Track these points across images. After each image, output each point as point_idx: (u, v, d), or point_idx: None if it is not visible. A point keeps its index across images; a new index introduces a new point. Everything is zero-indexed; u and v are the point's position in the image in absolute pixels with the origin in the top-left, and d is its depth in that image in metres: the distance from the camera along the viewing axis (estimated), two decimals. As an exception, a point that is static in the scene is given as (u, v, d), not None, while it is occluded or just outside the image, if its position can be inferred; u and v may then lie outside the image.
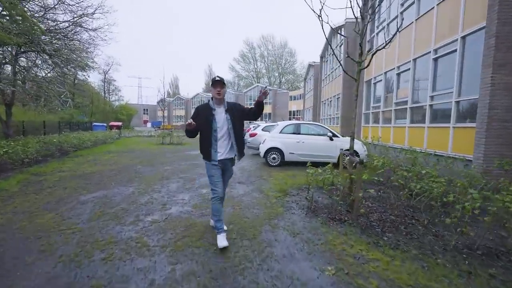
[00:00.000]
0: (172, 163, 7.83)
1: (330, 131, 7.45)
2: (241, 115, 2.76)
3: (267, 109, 41.62)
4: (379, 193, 4.39)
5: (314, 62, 25.72)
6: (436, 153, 6.58)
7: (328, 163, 4.62)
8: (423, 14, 7.69)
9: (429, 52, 7.27)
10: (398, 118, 9.10)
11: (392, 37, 3.44)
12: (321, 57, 21.84)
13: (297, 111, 40.63)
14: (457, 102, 6.18)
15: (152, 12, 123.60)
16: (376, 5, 9.18)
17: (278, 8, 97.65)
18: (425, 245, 2.60)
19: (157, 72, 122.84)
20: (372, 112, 11.36)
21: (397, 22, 9.01)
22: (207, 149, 2.62)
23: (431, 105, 7.20)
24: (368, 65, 3.72)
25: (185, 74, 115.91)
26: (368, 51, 3.70)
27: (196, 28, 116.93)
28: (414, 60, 8.07)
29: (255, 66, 57.50)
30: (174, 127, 41.11)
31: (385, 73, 10.16)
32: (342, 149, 4.46)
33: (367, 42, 12.43)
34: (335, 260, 2.29)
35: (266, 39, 59.16)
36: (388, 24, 9.90)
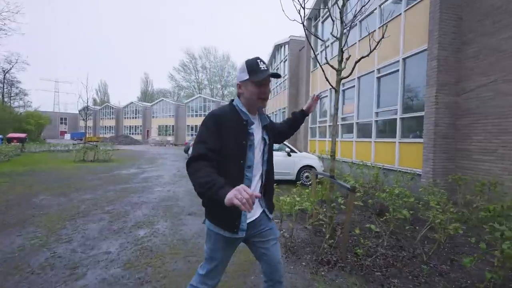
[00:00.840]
0: (95, 190, 6.02)
1: (288, 147, 7.00)
2: (273, 136, 1.52)
3: (210, 121, 40.21)
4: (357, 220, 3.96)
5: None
6: (384, 167, 6.82)
7: (287, 180, 4.02)
8: (365, 36, 8.21)
9: (373, 71, 7.71)
10: (345, 133, 9.42)
11: (375, 48, 3.08)
12: (266, 71, 22.22)
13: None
14: (402, 119, 6.54)
15: (82, 14, 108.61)
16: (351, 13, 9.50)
17: (217, 22, 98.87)
18: (431, 285, 2.11)
19: (82, 77, 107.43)
20: (319, 126, 11.66)
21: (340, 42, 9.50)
22: (234, 209, 1.04)
23: (376, 121, 7.55)
24: (349, 75, 3.28)
25: (117, 81, 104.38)
26: (348, 58, 3.27)
27: (129, 33, 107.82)
28: (359, 78, 8.50)
29: (197, 77, 55.73)
30: (100, 140, 35.52)
31: (330, 89, 10.56)
32: (314, 169, 3.93)
33: (310, 57, 12.97)
34: None
35: (208, 51, 58.31)
36: (331, 43, 10.40)
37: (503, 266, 1.92)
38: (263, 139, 1.38)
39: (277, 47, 18.62)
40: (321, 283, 2.25)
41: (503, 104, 4.54)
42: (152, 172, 9.31)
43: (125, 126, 46.71)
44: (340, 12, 3.11)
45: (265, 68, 1.28)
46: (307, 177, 6.82)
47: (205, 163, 1.15)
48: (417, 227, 3.63)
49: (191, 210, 4.48)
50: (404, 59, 6.55)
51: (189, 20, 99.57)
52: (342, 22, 3.15)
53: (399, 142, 6.58)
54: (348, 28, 3.21)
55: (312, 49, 3.15)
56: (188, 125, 40.37)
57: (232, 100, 1.39)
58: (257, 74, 1.26)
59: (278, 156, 6.78)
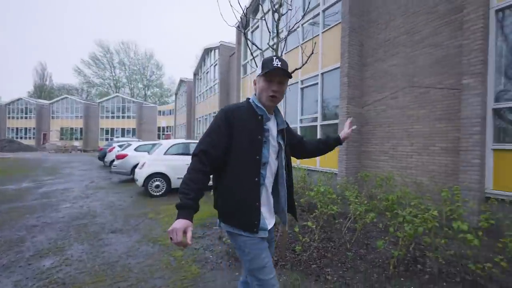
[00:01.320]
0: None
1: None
2: (290, 143, 1.49)
3: (130, 123, 36.05)
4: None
5: (187, 78, 25.16)
6: (308, 168, 7.64)
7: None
8: (291, 50, 9.06)
9: (297, 82, 8.57)
10: (274, 137, 10.06)
11: (309, 57, 3.43)
12: (195, 74, 21.63)
13: (168, 127, 37.97)
14: (322, 125, 7.50)
15: None
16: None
17: (142, 18, 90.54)
18: (367, 274, 2.50)
19: None
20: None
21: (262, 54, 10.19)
22: (250, 204, 1.23)
23: (301, 127, 8.40)
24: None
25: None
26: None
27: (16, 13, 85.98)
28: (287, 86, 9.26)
29: (113, 74, 49.12)
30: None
31: (260, 96, 11.14)
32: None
33: (241, 64, 13.38)
34: None
35: (127, 46, 52.47)
36: (262, 52, 11.01)
37: (404, 244, 2.43)
38: (278, 142, 1.34)
39: (207, 51, 18.43)
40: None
41: (391, 115, 5.80)
42: (55, 185, 7.59)
43: (9, 128, 36.63)
44: (276, 26, 3.33)
45: (278, 65, 1.24)
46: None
47: (199, 166, 1.18)
48: (340, 220, 4.20)
49: (114, 227, 3.87)
50: (322, 74, 7.55)
51: (101, 8, 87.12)
52: (277, 35, 3.38)
53: (320, 146, 7.49)
54: (284, 42, 3.46)
55: (254, 59, 3.25)
56: (102, 128, 35.10)
57: (248, 99, 1.36)
58: (267, 68, 1.24)
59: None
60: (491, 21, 4.00)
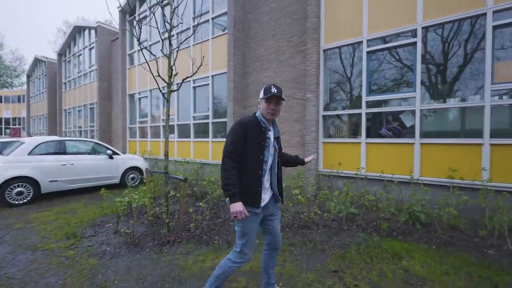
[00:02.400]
0: None
1: (109, 149, 6.48)
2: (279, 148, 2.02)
3: None
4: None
5: (47, 58, 19.89)
6: (202, 162, 8.34)
7: (112, 184, 4.15)
8: (184, 48, 9.31)
9: (190, 81, 8.99)
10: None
11: (199, 67, 4.03)
12: (60, 55, 17.50)
13: (16, 118, 28.53)
14: (213, 123, 8.32)
15: None
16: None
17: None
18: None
19: None
20: (139, 127, 11.41)
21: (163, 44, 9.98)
22: (255, 189, 1.74)
23: (194, 124, 8.93)
24: (179, 89, 4.00)
25: None
26: (176, 74, 3.96)
27: None
28: (178, 84, 9.46)
29: None
30: None
31: (151, 90, 10.74)
32: (147, 168, 4.24)
33: (127, 55, 12.24)
34: (203, 280, 2.34)
35: None
36: (150, 46, 10.57)
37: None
38: (274, 146, 1.87)
39: (79, 30, 15.41)
40: (166, 255, 2.84)
41: (266, 116, 7.34)
42: None
43: None
44: (168, 36, 3.74)
45: (275, 92, 1.76)
46: (132, 178, 6.75)
47: (233, 164, 1.71)
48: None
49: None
50: (212, 76, 8.35)
51: None
52: (170, 43, 3.81)
53: (211, 141, 8.32)
54: (176, 49, 3.91)
55: (142, 52, 3.52)
56: None
57: (255, 113, 1.87)
58: (267, 94, 1.76)
59: (98, 160, 6.14)
60: (321, 56, 5.97)
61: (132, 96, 11.93)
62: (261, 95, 1.80)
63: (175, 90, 3.94)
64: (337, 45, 5.77)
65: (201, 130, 8.82)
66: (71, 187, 5.69)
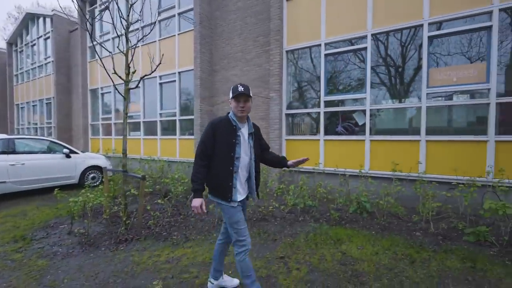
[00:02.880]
0: None
1: (66, 147, 6.15)
2: (257, 144, 2.07)
3: None
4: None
5: (-6, 46, 17.89)
6: (169, 160, 8.24)
7: (68, 185, 4.03)
8: (149, 43, 9.04)
9: (156, 76, 8.78)
10: (132, 130, 9.74)
11: (158, 66, 4.02)
12: (11, 44, 15.90)
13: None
14: (180, 120, 8.24)
15: None
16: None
17: None
18: (201, 228, 3.57)
19: None
20: (102, 124, 10.87)
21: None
22: (226, 184, 1.87)
23: (161, 121, 8.76)
24: (137, 86, 3.96)
25: None
26: (134, 72, 3.92)
27: None
28: (143, 80, 9.18)
29: None
30: None
31: (115, 86, 10.25)
32: (105, 167, 4.14)
33: (87, 47, 11.54)
34: (156, 273, 2.43)
35: None
36: (112, 39, 10.08)
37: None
38: (248, 142, 1.95)
39: (32, 17, 14.13)
40: (122, 252, 2.87)
41: (233, 114, 7.47)
42: None
43: None
44: (126, 33, 3.69)
45: (242, 90, 1.86)
46: (93, 178, 6.49)
47: (201, 163, 1.88)
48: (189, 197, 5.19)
49: None
50: (179, 73, 8.24)
51: None
52: (127, 41, 3.76)
53: (179, 139, 8.25)
54: (134, 47, 3.87)
55: (102, 44, 3.46)
56: None
57: (228, 113, 1.98)
58: (235, 93, 1.87)
59: (53, 159, 5.81)
60: (284, 56, 6.23)
61: (94, 91, 11.30)
62: (230, 94, 1.91)
63: (133, 88, 3.91)
64: (298, 47, 6.06)
65: (168, 127, 8.69)
66: (22, 189, 5.34)
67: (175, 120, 8.28)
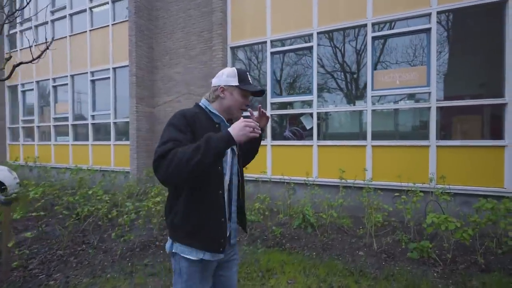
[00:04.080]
0: None
1: None
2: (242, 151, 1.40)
3: None
4: (40, 229, 3.70)
5: None
6: (102, 169, 7.07)
7: None
8: (78, 33, 7.77)
9: (87, 72, 7.55)
10: (59, 135, 8.27)
11: (42, 53, 3.09)
12: None
13: None
14: (115, 123, 7.14)
15: None
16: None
17: None
18: (96, 266, 2.73)
19: None
20: (23, 127, 9.12)
21: (45, 29, 8.14)
22: (216, 221, 1.13)
23: (93, 124, 7.53)
24: (9, 77, 2.99)
25: None
26: (8, 59, 2.96)
27: None
28: (72, 76, 7.87)
29: None
30: None
31: (38, 82, 8.69)
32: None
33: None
34: None
35: None
36: (36, 26, 8.55)
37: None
38: (232, 149, 1.24)
39: None
40: None
41: (176, 116, 6.65)
42: None
43: None
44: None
45: (258, 88, 1.25)
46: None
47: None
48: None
49: None
50: (114, 69, 7.16)
51: None
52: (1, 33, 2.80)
53: (114, 145, 7.13)
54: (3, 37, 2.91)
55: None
56: None
57: (197, 103, 1.26)
58: (249, 85, 1.22)
59: None
60: (228, 53, 5.64)
61: (14, 88, 9.47)
62: (233, 81, 1.21)
63: (4, 79, 2.94)
64: (244, 44, 5.52)
65: (103, 132, 7.50)
66: None
67: (109, 123, 7.15)
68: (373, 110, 4.42)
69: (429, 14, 4.07)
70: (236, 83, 1.20)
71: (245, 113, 1.23)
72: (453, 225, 2.37)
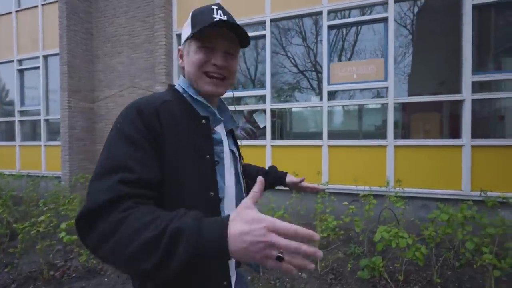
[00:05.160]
0: None
1: None
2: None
3: None
4: None
5: None
6: (30, 174, 6.01)
7: None
8: (2, 15, 6.59)
9: (13, 61, 6.42)
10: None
11: None
12: None
13: None
14: (46, 120, 6.11)
15: None
16: None
17: None
18: None
19: None
20: None
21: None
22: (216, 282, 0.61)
23: (21, 121, 6.41)
24: None
25: None
26: None
27: None
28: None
29: None
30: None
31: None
32: None
33: None
34: None
35: None
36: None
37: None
38: (231, 151, 0.77)
39: None
40: None
41: (119, 113, 5.80)
42: None
43: None
44: None
45: (222, 18, 0.64)
46: None
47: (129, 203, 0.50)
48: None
49: None
50: (45, 57, 6.13)
51: None
52: None
53: (45, 146, 6.10)
54: None
55: None
56: None
57: (171, 85, 0.73)
58: (200, 24, 0.64)
59: None
60: (174, 40, 4.96)
61: None
62: (187, 32, 0.69)
63: None
64: (191, 30, 4.87)
65: (32, 131, 6.41)
66: None
67: (40, 120, 6.11)
68: (329, 107, 4.01)
69: (386, 3, 3.73)
70: (189, 32, 0.68)
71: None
72: (405, 242, 1.96)
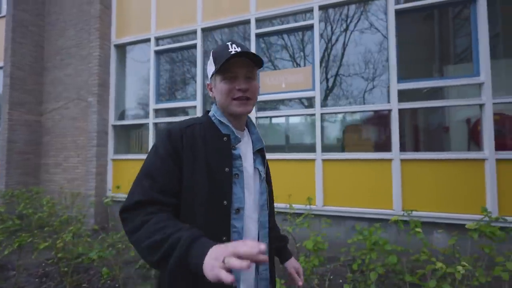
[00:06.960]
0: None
1: None
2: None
3: None
4: None
5: None
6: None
7: None
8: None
9: (-34, 74, 6.35)
10: None
11: None
12: None
13: None
14: (-8, 134, 5.93)
15: None
16: None
17: None
18: None
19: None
20: None
21: None
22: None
23: (-30, 135, 6.24)
24: None
25: None
26: None
27: None
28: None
29: None
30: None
31: None
32: None
33: None
34: None
35: None
36: None
37: None
38: (257, 170, 0.87)
39: None
40: None
41: (65, 126, 5.61)
42: None
43: None
44: None
45: (237, 50, 0.78)
46: None
47: (153, 208, 0.70)
48: None
49: None
50: (-5, 69, 6.05)
51: None
52: None
53: (-10, 160, 5.88)
54: None
55: None
56: None
57: (207, 111, 0.90)
58: (221, 59, 0.77)
59: None
60: (112, 52, 4.83)
61: None
62: (211, 69, 0.83)
63: None
64: (129, 41, 4.75)
65: (-20, 144, 6.22)
66: None
67: (-13, 133, 5.93)
68: (258, 118, 3.75)
69: (311, 10, 3.56)
70: (213, 68, 0.82)
71: None
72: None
